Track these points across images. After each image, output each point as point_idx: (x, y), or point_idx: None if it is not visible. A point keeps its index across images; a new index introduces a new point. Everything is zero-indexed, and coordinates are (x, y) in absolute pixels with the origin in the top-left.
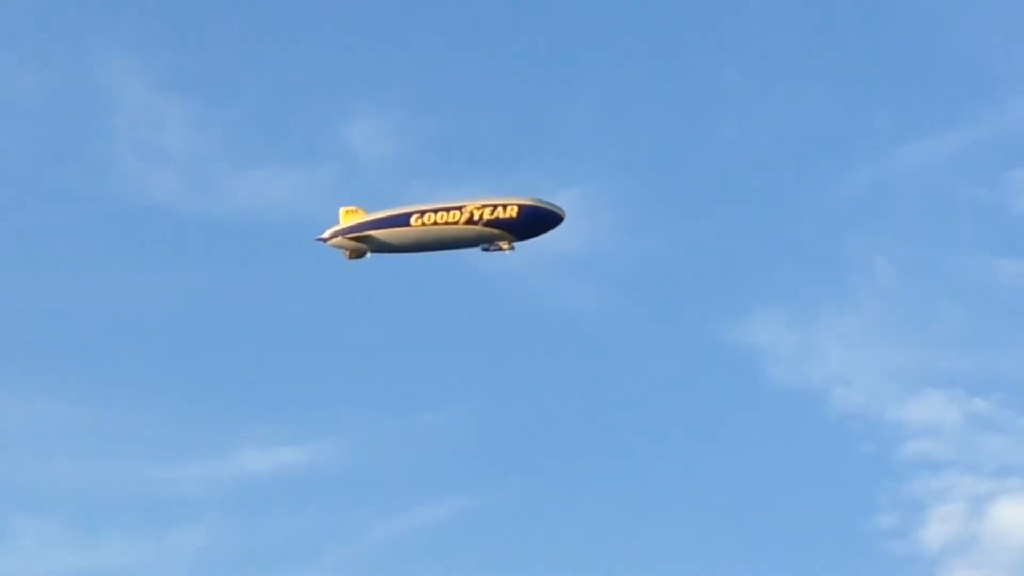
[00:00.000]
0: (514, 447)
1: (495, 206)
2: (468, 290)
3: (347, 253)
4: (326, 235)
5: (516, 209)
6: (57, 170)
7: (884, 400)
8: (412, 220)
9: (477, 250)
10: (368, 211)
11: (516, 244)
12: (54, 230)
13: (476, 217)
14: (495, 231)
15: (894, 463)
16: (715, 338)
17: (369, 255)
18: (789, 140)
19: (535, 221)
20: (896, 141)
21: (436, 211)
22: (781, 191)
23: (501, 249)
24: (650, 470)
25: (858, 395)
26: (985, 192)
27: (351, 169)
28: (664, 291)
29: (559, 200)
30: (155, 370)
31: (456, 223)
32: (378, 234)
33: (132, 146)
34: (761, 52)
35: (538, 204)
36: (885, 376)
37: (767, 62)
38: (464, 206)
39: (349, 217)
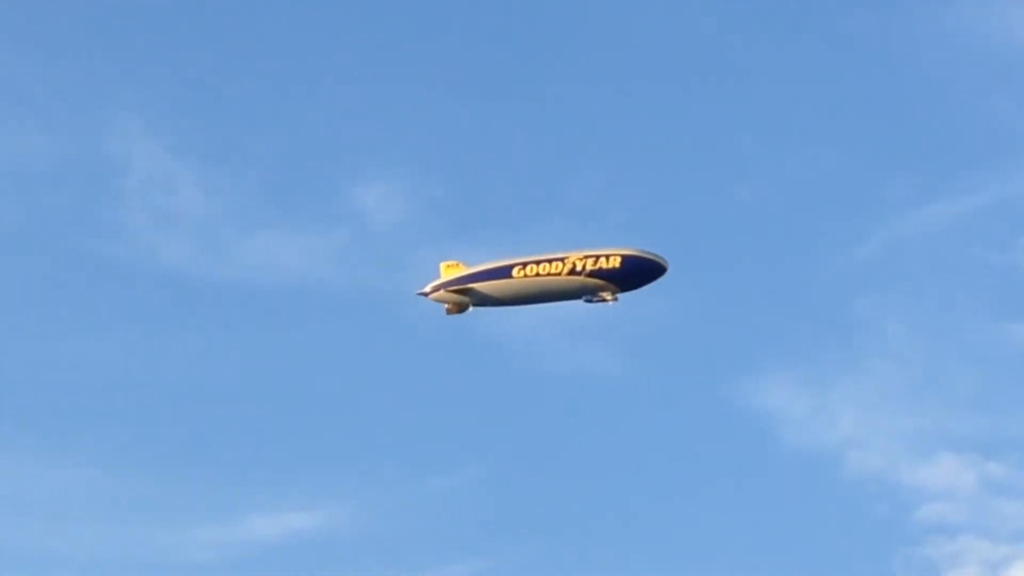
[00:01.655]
0: (524, 512)
1: (598, 256)
2: (479, 352)
3: (449, 307)
4: (428, 289)
5: (619, 259)
6: (69, 235)
7: (899, 463)
8: (514, 272)
9: (580, 302)
10: (469, 265)
11: (620, 295)
12: (66, 295)
13: (579, 268)
14: (599, 282)
15: (909, 527)
16: (728, 401)
17: (471, 308)
18: (802, 204)
19: (638, 271)
20: (908, 205)
21: (538, 262)
22: (794, 255)
23: (605, 300)
24: (662, 535)
25: (872, 458)
26: (997, 256)
27: (361, 233)
28: (677, 353)
29: None
30: (166, 434)
31: (559, 274)
32: (480, 287)
33: (143, 210)
34: (774, 118)
35: (641, 255)
36: (899, 439)
37: (780, 127)
38: (566, 257)
39: (450, 271)
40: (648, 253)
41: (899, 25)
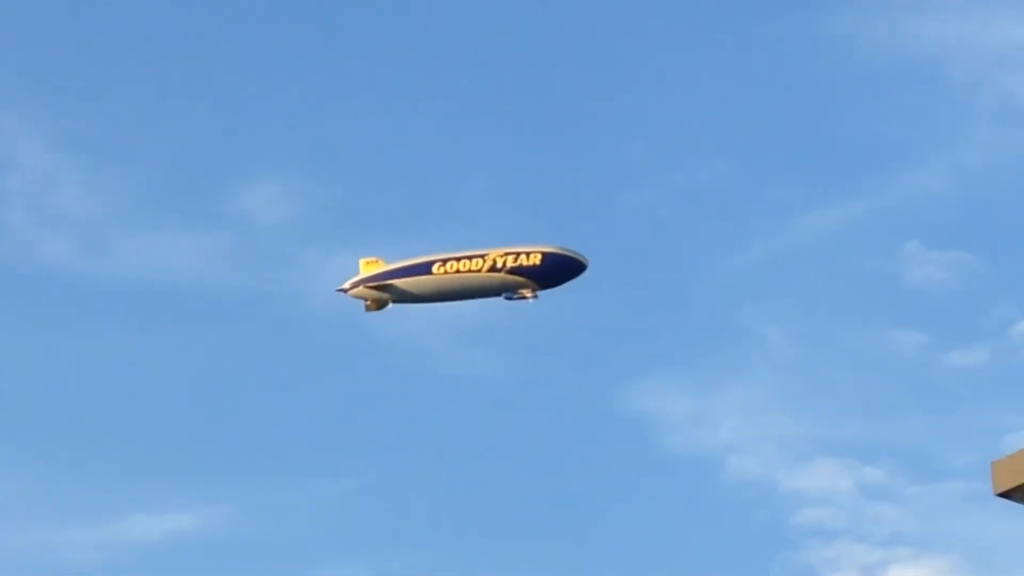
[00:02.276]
0: (407, 517)
1: (518, 253)
2: (364, 354)
3: (369, 303)
4: (347, 285)
5: (540, 257)
6: None
7: (778, 468)
8: (434, 268)
9: (500, 299)
10: (388, 261)
11: (540, 292)
12: None
13: (499, 265)
14: (519, 279)
15: (788, 531)
16: (610, 405)
17: (391, 305)
18: (688, 211)
19: (559, 269)
20: (791, 212)
21: (459, 259)
22: (679, 261)
23: (524, 297)
24: (543, 538)
25: (752, 463)
26: (880, 263)
27: (247, 233)
28: (560, 358)
29: None
30: (46, 434)
31: (479, 271)
32: (400, 283)
33: (26, 209)
34: (661, 125)
35: (562, 252)
36: (779, 444)
37: (667, 134)
38: (487, 254)
39: (369, 267)
40: (569, 251)
41: (784, 33)
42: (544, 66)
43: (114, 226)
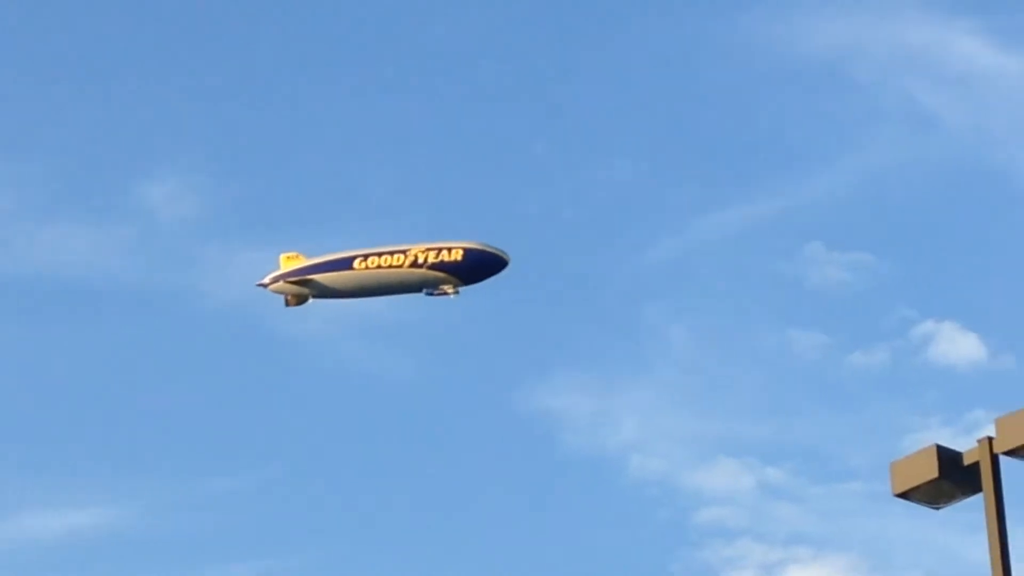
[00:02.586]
0: (309, 514)
1: (440, 249)
2: (268, 351)
3: (289, 298)
4: (267, 280)
5: (461, 252)
6: None
7: (680, 468)
8: (356, 264)
9: (421, 294)
10: (308, 256)
11: (461, 289)
12: None
13: (421, 260)
14: (440, 275)
15: (689, 530)
16: (512, 404)
17: (311, 300)
18: (592, 211)
19: (480, 265)
20: (696, 213)
21: (380, 254)
22: (583, 259)
23: (446, 293)
24: (446, 537)
25: (654, 462)
26: (783, 264)
27: (150, 228)
28: (463, 357)
29: None
30: None
31: (400, 267)
32: (320, 278)
33: None
34: (567, 124)
35: (484, 248)
36: (681, 443)
37: (572, 134)
38: (408, 249)
39: (289, 262)
40: (490, 247)
41: (689, 34)
42: (448, 63)
43: (12, 221)
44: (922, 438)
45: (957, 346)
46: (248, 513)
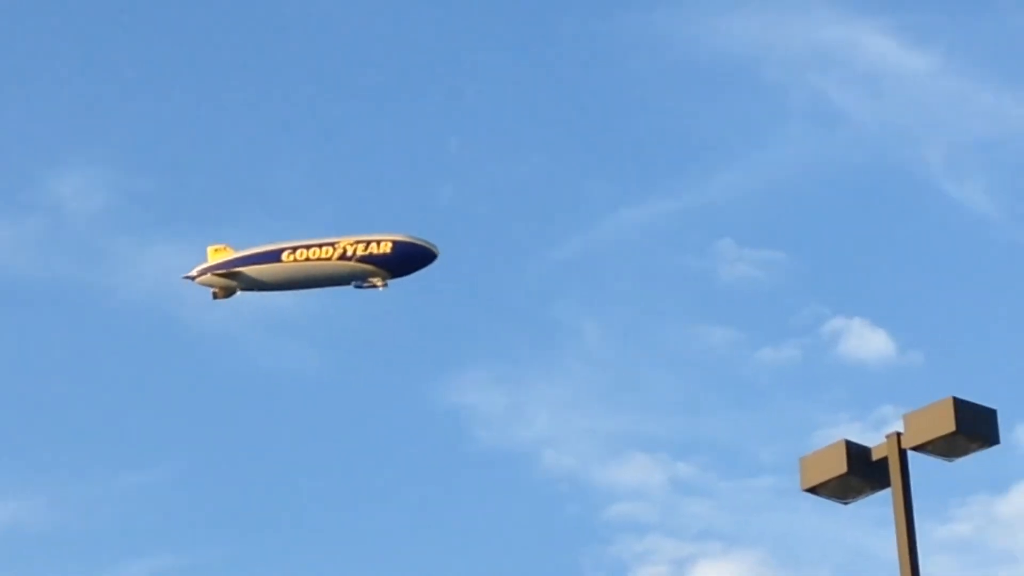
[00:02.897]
0: (218, 509)
1: (368, 242)
2: (176, 346)
3: (216, 291)
4: (194, 272)
5: (390, 245)
6: None
7: (591, 463)
8: (284, 256)
9: (350, 287)
10: (237, 249)
11: (390, 281)
12: None
13: (349, 253)
14: (368, 267)
15: (599, 525)
16: (424, 399)
17: (239, 293)
18: (503, 205)
19: (409, 258)
20: (607, 209)
21: (308, 247)
22: (494, 255)
23: (375, 286)
24: (358, 532)
25: (566, 458)
26: (694, 260)
27: (57, 223)
28: (373, 352)
29: None
30: None
31: (329, 259)
32: (249, 270)
33: None
34: (478, 119)
35: (412, 241)
36: (592, 439)
37: (484, 129)
38: (337, 242)
39: (217, 255)
40: (419, 239)
41: (601, 30)
42: (360, 59)
43: None
44: (832, 434)
45: (866, 343)
46: (156, 509)
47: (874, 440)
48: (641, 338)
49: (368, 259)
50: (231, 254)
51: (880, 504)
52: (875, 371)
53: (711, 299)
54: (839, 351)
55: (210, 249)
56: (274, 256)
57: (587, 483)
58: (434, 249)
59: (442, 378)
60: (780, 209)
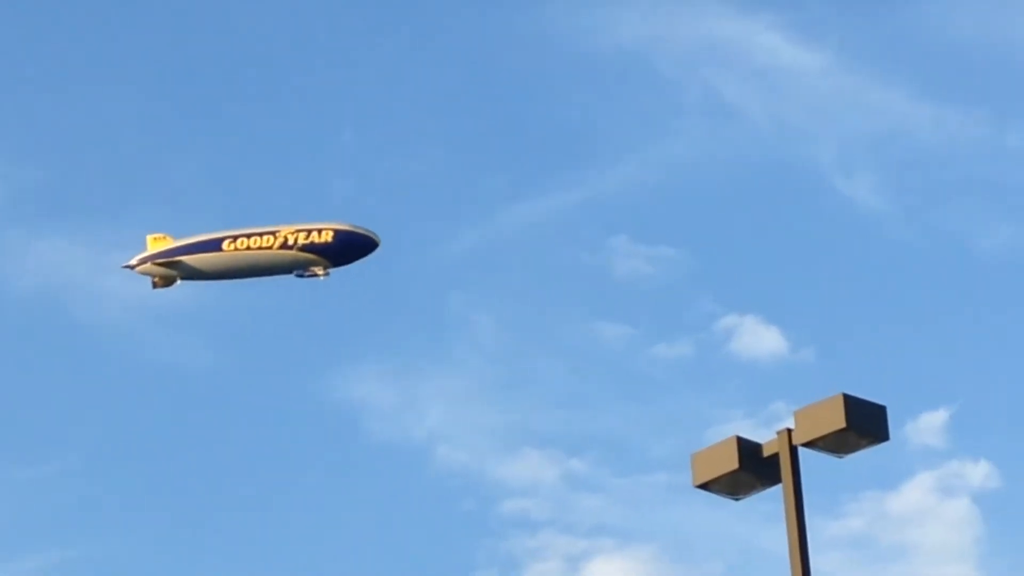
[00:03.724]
0: (104, 503)
1: (310, 231)
2: (70, 340)
3: (156, 280)
4: (134, 262)
5: (331, 234)
6: None
7: (485, 458)
8: (224, 245)
9: (291, 276)
10: (177, 238)
11: (331, 270)
12: None
13: (291, 242)
14: (310, 256)
15: (492, 521)
16: (316, 393)
17: (179, 282)
18: (397, 199)
19: (350, 247)
20: (502, 203)
21: (249, 236)
22: (388, 248)
23: (316, 275)
24: (250, 527)
25: (460, 453)
26: (588, 255)
27: None
28: (265, 346)
29: None
30: None
31: (270, 248)
32: (189, 260)
33: None
34: (373, 114)
35: (353, 229)
36: (486, 434)
37: (378, 123)
38: (278, 231)
39: (157, 244)
40: (360, 228)
41: (495, 24)
42: (254, 50)
43: None
44: (724, 430)
45: (759, 339)
46: (47, 504)
47: (766, 436)
48: (535, 333)
49: (309, 248)
50: (171, 243)
51: (771, 500)
52: (768, 368)
53: (606, 294)
54: (732, 348)
55: (149, 238)
56: (215, 245)
57: (480, 478)
58: (375, 238)
59: (335, 372)
60: (674, 205)
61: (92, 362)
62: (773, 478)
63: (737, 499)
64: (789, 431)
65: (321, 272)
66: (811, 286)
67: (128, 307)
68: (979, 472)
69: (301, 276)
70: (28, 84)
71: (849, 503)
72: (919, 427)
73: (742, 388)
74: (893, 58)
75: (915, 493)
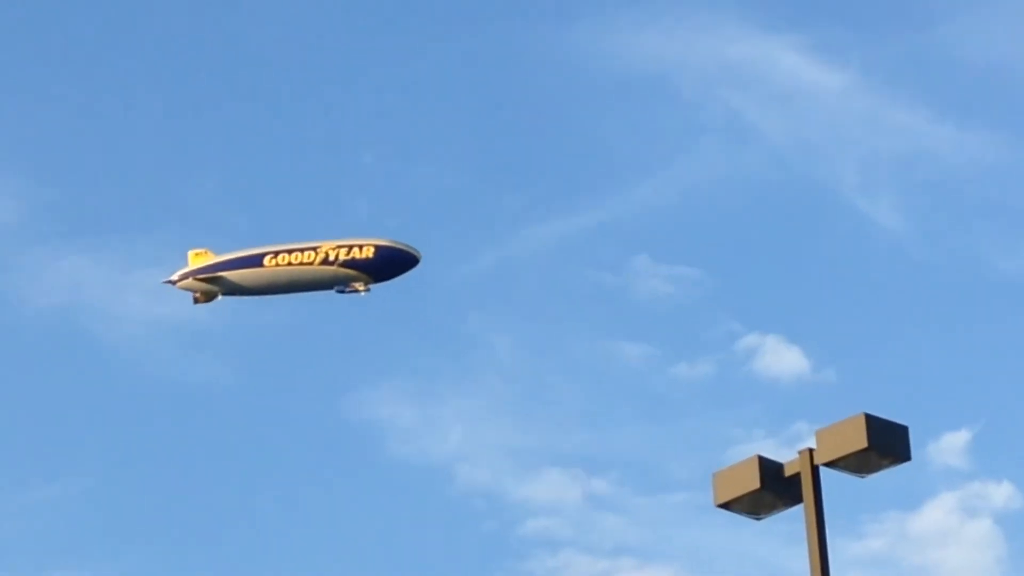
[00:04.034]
0: (124, 523)
1: (351, 246)
2: (89, 359)
3: (198, 295)
4: (175, 277)
5: (372, 250)
6: None
7: (506, 478)
8: (266, 261)
9: (332, 292)
10: (218, 253)
11: (372, 286)
12: None
13: (332, 258)
14: (351, 272)
15: (514, 541)
16: (338, 413)
17: (220, 298)
18: (419, 219)
19: (391, 263)
20: (521, 223)
21: (291, 251)
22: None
23: (357, 291)
24: (272, 547)
25: (481, 472)
26: (607, 276)
27: None
28: (288, 365)
29: None
30: None
31: (311, 263)
32: (230, 275)
33: None
34: (393, 133)
35: (394, 245)
36: (507, 454)
37: (399, 143)
38: (320, 246)
39: (198, 259)
40: (401, 244)
41: (516, 45)
42: (277, 71)
43: None
44: (746, 450)
45: (781, 359)
46: (64, 524)
47: (788, 456)
48: (556, 353)
49: (350, 264)
50: (212, 258)
51: (793, 520)
52: (789, 387)
53: (626, 315)
54: (754, 367)
55: (191, 253)
56: (256, 260)
57: (502, 498)
58: (416, 253)
59: (356, 391)
60: (696, 225)
61: (112, 381)
62: (795, 498)
63: (759, 519)
64: (811, 451)
65: (362, 288)
66: (833, 306)
67: (149, 327)
68: (1002, 493)
69: (342, 292)
70: (46, 103)
71: (871, 523)
72: (941, 447)
73: (764, 408)
74: (914, 79)
75: (937, 514)
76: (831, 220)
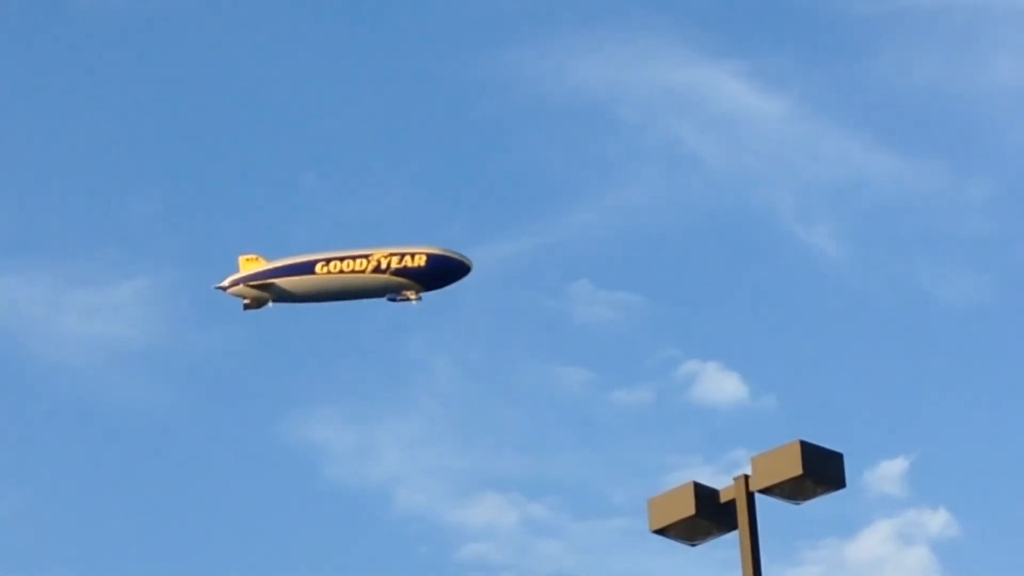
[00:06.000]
0: (63, 543)
1: (403, 255)
2: (26, 380)
3: (248, 302)
4: (226, 283)
5: (424, 258)
6: None
7: (443, 502)
8: (317, 268)
9: (383, 300)
10: (269, 259)
11: (424, 294)
12: None
13: (383, 266)
14: (403, 280)
15: (451, 565)
16: (273, 436)
17: (271, 304)
18: (360, 243)
19: (442, 271)
20: (463, 246)
21: (342, 259)
22: None
23: (408, 299)
24: (208, 569)
25: (418, 496)
26: (549, 301)
27: None
28: (223, 387)
29: None
30: None
31: (363, 271)
32: (281, 282)
33: None
34: (337, 157)
35: (446, 254)
36: (444, 478)
37: (342, 166)
38: (371, 254)
39: (249, 265)
40: (453, 252)
41: (457, 68)
42: (216, 90)
43: None
44: (683, 476)
45: (720, 386)
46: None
47: (724, 483)
48: (495, 377)
49: (402, 272)
50: (263, 265)
51: (729, 546)
52: (728, 414)
53: (566, 340)
54: (693, 394)
55: (242, 259)
56: (307, 268)
57: (439, 522)
58: (468, 262)
59: (292, 414)
60: (636, 251)
61: (48, 403)
62: (730, 524)
63: (694, 545)
64: (746, 477)
65: (413, 296)
66: (772, 333)
67: (84, 348)
68: (938, 521)
69: (393, 300)
70: None
71: (807, 550)
72: (878, 475)
73: (703, 434)
74: (852, 108)
75: (873, 541)
76: (770, 247)
